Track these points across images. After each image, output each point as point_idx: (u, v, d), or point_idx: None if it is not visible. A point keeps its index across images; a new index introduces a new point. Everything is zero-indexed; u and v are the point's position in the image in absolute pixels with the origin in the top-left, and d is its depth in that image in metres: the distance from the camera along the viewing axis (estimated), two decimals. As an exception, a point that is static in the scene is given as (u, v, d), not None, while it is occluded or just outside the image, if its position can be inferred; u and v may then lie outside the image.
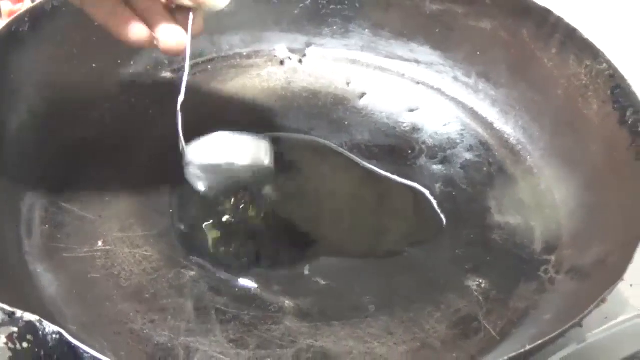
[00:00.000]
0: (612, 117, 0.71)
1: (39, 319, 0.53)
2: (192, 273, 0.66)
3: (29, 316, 0.53)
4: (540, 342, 0.55)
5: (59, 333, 0.53)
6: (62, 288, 0.64)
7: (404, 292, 0.67)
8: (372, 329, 0.64)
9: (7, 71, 0.71)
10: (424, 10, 0.82)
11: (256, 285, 0.66)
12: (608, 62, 0.73)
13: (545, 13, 0.77)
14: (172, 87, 0.79)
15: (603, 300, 0.58)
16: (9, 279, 0.61)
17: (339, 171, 0.77)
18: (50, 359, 0.53)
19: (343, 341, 0.63)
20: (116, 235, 0.68)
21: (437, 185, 0.75)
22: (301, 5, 0.84)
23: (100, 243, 0.67)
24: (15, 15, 0.73)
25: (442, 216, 0.72)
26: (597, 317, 0.67)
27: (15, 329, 0.52)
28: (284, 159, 0.76)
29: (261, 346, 0.62)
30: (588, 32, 0.75)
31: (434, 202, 0.73)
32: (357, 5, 0.84)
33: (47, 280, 0.64)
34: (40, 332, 0.53)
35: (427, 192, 0.74)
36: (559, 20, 0.76)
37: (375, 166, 0.76)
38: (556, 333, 0.56)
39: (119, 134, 0.76)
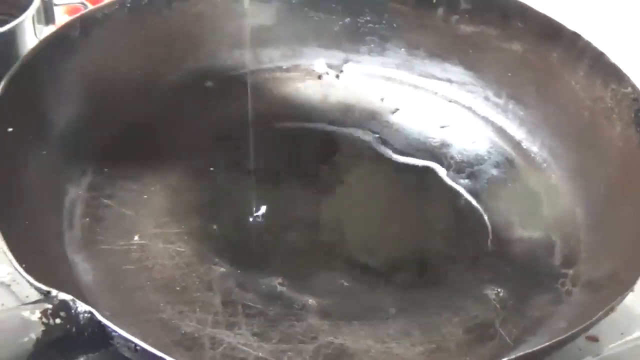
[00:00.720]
0: (633, 139, 0.73)
1: (72, 299, 0.56)
2: (222, 269, 0.69)
3: (63, 295, 0.56)
4: (547, 344, 0.57)
5: (90, 312, 0.56)
6: (97, 277, 0.67)
7: (424, 297, 0.69)
8: (391, 330, 0.66)
9: (57, 73, 0.74)
10: (458, 32, 0.85)
11: (282, 284, 0.68)
12: (633, 86, 0.75)
13: (575, 37, 0.79)
14: (213, 95, 0.83)
15: (612, 309, 0.60)
16: (48, 264, 0.64)
17: (373, 176, 0.80)
18: (81, 335, 0.56)
19: (362, 340, 0.65)
20: (152, 231, 0.71)
21: (463, 198, 0.77)
22: (340, 23, 0.87)
23: (136, 237, 0.71)
24: (67, 21, 0.77)
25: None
26: (614, 333, 0.69)
27: (50, 306, 0.56)
28: (316, 159, 0.80)
29: (283, 340, 0.64)
30: (615, 55, 0.77)
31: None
32: (394, 25, 0.87)
33: (83, 269, 0.67)
34: (73, 311, 0.56)
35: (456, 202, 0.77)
36: (588, 44, 0.78)
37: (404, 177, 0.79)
38: (564, 336, 0.58)
39: (159, 137, 0.79)
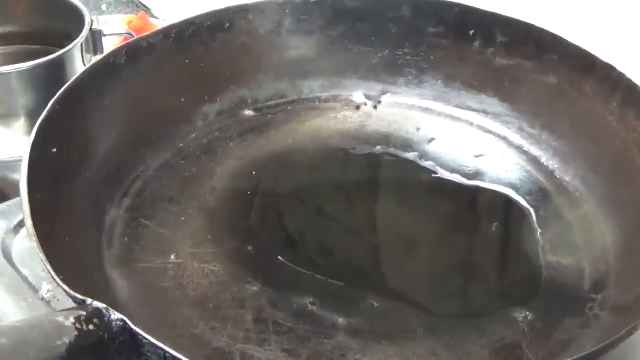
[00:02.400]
0: (664, 170, 0.74)
1: (106, 307, 0.58)
2: (255, 289, 0.70)
3: (97, 304, 0.58)
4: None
5: (123, 320, 0.58)
6: (133, 293, 0.69)
7: (452, 319, 0.70)
8: (419, 350, 0.67)
9: (102, 98, 0.77)
10: (494, 65, 0.86)
11: (313, 303, 0.69)
12: (665, 117, 0.76)
13: (609, 69, 0.80)
14: (253, 123, 0.85)
15: (635, 329, 0.60)
16: (85, 278, 0.66)
17: (410, 200, 0.82)
18: (113, 342, 0.57)
19: (390, 358, 0.66)
20: (188, 251, 0.73)
21: (495, 225, 0.78)
22: (379, 55, 0.89)
23: (172, 257, 0.73)
24: (114, 48, 0.80)
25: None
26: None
27: (84, 313, 0.57)
28: (354, 183, 0.82)
29: (312, 357, 0.65)
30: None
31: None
32: (432, 57, 0.88)
33: (120, 285, 0.70)
34: (106, 318, 0.57)
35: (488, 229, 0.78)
36: (622, 75, 0.79)
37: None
38: (585, 354, 0.58)
39: (199, 162, 0.81)
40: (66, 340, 0.55)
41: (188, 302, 0.69)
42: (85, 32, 0.85)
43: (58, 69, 0.84)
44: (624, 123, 0.78)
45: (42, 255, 0.62)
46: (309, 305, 0.69)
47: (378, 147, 0.85)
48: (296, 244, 0.77)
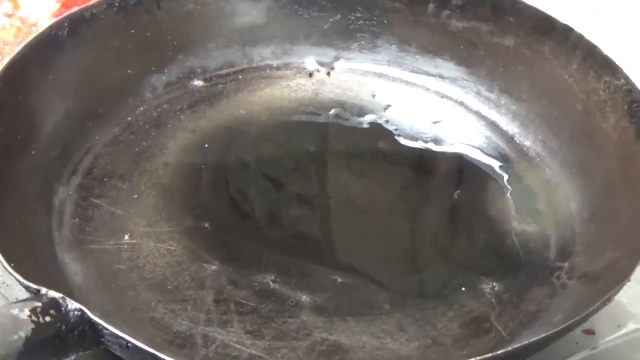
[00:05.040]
0: (628, 132, 0.73)
1: (62, 296, 0.56)
2: (214, 267, 0.68)
3: (52, 293, 0.56)
4: (544, 335, 0.57)
5: (81, 310, 0.56)
6: (87, 277, 0.66)
7: (418, 292, 0.69)
8: (386, 326, 0.65)
9: (46, 72, 0.74)
10: (449, 28, 0.84)
11: (275, 281, 0.68)
12: (626, 77, 0.74)
13: (567, 30, 0.79)
14: (203, 94, 0.83)
15: (609, 300, 0.59)
16: (37, 264, 0.64)
17: (366, 170, 0.81)
18: (71, 333, 0.55)
19: (357, 336, 0.64)
20: (142, 230, 0.71)
21: (457, 192, 0.77)
22: (331, 20, 0.87)
23: (126, 237, 0.70)
24: (55, 20, 0.77)
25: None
26: (610, 326, 0.69)
27: (39, 304, 0.55)
28: (306, 153, 0.81)
29: (277, 337, 0.64)
30: (607, 48, 0.77)
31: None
32: (385, 21, 0.86)
33: (74, 269, 0.67)
34: (63, 309, 0.55)
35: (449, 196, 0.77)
36: (580, 37, 0.78)
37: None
38: (560, 328, 0.57)
39: (149, 136, 0.79)
40: (22, 334, 0.53)
41: (145, 284, 0.67)
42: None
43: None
44: (584, 85, 0.77)
45: (-9, 243, 0.59)
46: (271, 283, 0.68)
47: (333, 115, 0.83)
48: (254, 220, 0.74)
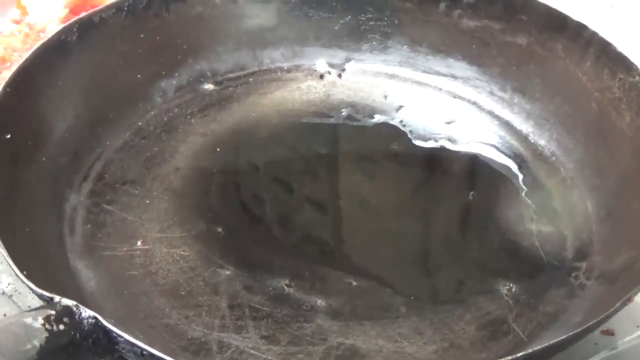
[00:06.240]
0: (644, 129, 0.72)
1: (76, 304, 0.55)
2: (228, 272, 0.68)
3: (66, 301, 0.55)
4: (564, 337, 0.56)
5: (95, 318, 0.55)
6: (100, 283, 0.66)
7: (434, 295, 0.69)
8: (402, 329, 0.65)
9: (55, 77, 0.74)
10: (461, 27, 0.84)
11: (289, 285, 0.67)
12: (641, 74, 0.74)
13: (580, 27, 0.78)
14: (214, 97, 0.82)
15: (629, 300, 0.59)
16: (50, 272, 0.63)
17: (381, 173, 0.80)
18: (85, 341, 0.55)
19: (373, 340, 0.64)
20: (155, 236, 0.70)
21: (471, 193, 0.76)
22: (342, 21, 0.86)
23: (139, 243, 0.69)
24: (64, 25, 0.76)
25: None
26: (629, 326, 0.68)
27: (53, 312, 0.54)
28: (321, 156, 0.80)
29: (292, 342, 0.63)
30: (622, 45, 0.76)
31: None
32: (396, 22, 0.85)
33: (86, 275, 0.66)
34: (77, 316, 0.55)
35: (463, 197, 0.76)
36: (594, 34, 0.77)
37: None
38: (579, 330, 0.56)
39: (160, 140, 0.78)
40: (36, 342, 0.53)
41: (158, 290, 0.66)
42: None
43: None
44: (598, 83, 0.77)
45: (3, 251, 0.59)
46: (285, 287, 0.67)
47: (344, 117, 0.83)
48: (266, 223, 0.74)
